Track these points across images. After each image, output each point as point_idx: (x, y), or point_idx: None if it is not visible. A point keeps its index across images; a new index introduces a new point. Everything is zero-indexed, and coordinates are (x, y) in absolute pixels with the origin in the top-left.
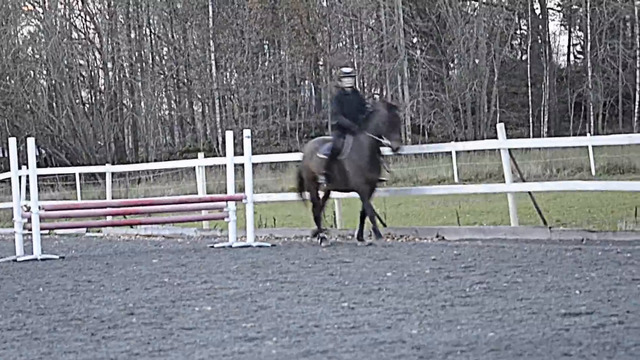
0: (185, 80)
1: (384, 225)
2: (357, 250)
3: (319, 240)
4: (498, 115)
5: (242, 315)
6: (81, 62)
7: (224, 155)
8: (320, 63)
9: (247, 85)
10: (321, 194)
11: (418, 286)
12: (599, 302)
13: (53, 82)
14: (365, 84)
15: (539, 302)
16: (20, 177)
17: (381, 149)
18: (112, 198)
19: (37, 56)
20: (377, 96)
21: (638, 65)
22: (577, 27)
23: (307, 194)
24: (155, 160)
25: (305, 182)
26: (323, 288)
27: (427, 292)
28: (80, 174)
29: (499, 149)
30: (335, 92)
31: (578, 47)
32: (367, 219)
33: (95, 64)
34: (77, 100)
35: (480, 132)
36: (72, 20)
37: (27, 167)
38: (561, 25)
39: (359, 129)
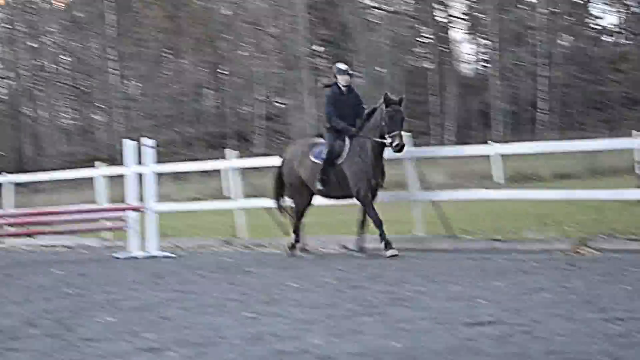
0: (86, 89)
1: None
2: (260, 260)
3: (290, 249)
4: None
5: (144, 325)
6: None
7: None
8: (221, 71)
9: (148, 94)
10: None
11: (322, 296)
12: (505, 311)
13: None
14: (268, 93)
15: (445, 311)
16: None
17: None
18: (12, 208)
19: None
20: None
21: (540, 72)
22: (482, 35)
23: (286, 200)
24: (56, 170)
25: (290, 188)
26: (226, 298)
27: (332, 302)
28: None
29: (404, 158)
30: (329, 91)
31: (483, 55)
32: (371, 228)
33: None
34: None
35: None
36: None
37: None
38: (466, 33)
39: (357, 131)
